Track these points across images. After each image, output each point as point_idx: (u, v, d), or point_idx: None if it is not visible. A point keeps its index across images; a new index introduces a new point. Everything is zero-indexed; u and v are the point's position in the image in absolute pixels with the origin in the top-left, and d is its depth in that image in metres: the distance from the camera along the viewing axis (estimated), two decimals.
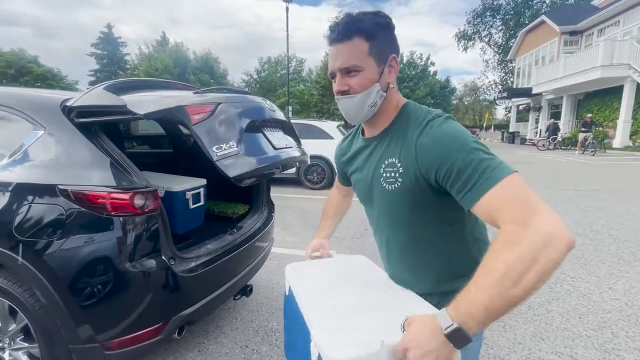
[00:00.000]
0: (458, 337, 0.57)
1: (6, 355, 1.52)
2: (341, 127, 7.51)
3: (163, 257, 1.49)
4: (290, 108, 19.28)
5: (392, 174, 0.82)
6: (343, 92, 0.82)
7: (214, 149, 1.42)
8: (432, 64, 34.69)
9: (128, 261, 1.39)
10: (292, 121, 3.75)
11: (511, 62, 30.86)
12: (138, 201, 1.40)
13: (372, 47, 0.78)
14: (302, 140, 2.34)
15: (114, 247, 1.38)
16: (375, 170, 0.88)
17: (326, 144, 6.79)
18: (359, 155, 0.97)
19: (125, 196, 1.37)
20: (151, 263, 1.46)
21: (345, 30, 0.77)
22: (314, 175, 7.19)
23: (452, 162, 0.69)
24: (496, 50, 35.32)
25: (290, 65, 33.47)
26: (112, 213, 1.36)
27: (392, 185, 0.82)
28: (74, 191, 1.35)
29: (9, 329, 1.49)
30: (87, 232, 1.36)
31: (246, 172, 1.48)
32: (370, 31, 0.77)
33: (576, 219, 4.59)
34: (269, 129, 1.90)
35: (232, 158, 1.46)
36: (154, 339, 1.50)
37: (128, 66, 40.90)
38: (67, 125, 1.47)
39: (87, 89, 1.59)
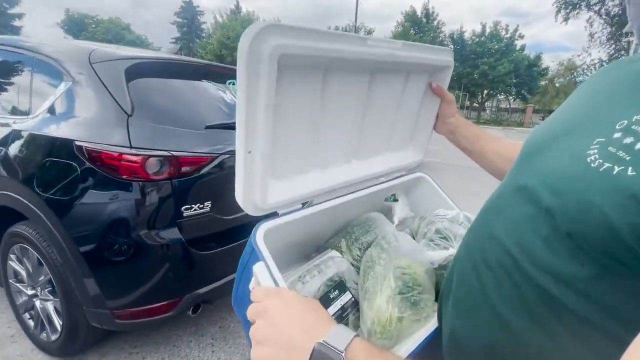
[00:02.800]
0: None
1: (38, 303, 1.57)
2: None
3: (178, 231, 1.35)
4: None
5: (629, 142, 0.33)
6: None
7: None
8: (521, 36, 30.14)
9: (139, 230, 1.28)
10: None
11: (627, 36, 25.28)
12: (151, 166, 1.25)
13: None
14: None
15: (125, 214, 1.26)
16: (609, 127, 0.38)
17: None
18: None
19: (137, 159, 1.22)
20: (165, 235, 1.33)
21: None
22: None
23: None
24: (608, 21, 29.20)
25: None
26: (124, 177, 1.23)
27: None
28: (88, 149, 1.24)
29: (39, 279, 1.52)
30: (99, 194, 1.26)
31: None
32: None
33: None
34: None
35: None
36: (165, 314, 1.40)
37: (204, 34, 43.14)
38: (92, 76, 1.36)
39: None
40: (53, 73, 1.49)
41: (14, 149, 1.47)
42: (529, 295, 0.37)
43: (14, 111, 1.61)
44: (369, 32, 35.40)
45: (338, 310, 0.66)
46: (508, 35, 29.70)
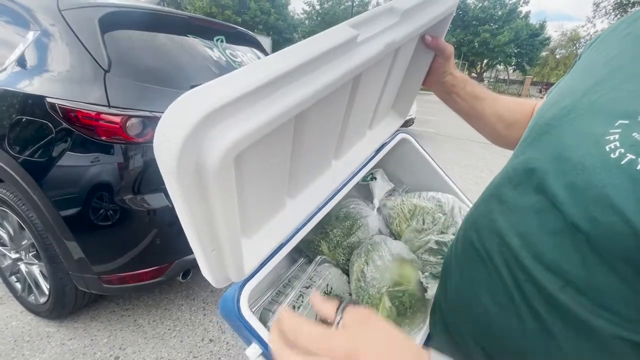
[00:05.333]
0: None
1: (23, 267, 1.54)
2: None
3: (164, 196, 1.30)
4: None
5: None
6: None
7: None
8: (526, 2, 28.88)
9: (123, 195, 1.22)
10: None
11: (634, 6, 24.45)
12: (133, 128, 1.16)
13: None
14: None
15: (107, 177, 1.20)
16: None
17: None
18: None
19: (116, 120, 1.13)
20: (151, 201, 1.28)
21: None
22: None
23: None
24: None
25: None
26: (103, 138, 1.15)
27: None
28: (62, 107, 1.14)
29: (22, 243, 1.47)
30: (77, 156, 1.19)
31: None
32: None
33: None
34: None
35: None
36: (155, 280, 1.39)
37: None
38: (62, 24, 1.23)
39: None
40: (19, 20, 1.34)
41: None
42: (528, 292, 0.33)
43: None
44: None
45: None
46: (513, 0, 28.45)
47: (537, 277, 0.32)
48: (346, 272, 0.71)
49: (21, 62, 1.31)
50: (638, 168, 0.26)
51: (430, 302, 0.65)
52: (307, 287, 0.65)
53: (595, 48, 0.42)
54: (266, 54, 2.13)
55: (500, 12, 28.12)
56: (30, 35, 1.28)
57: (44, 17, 1.26)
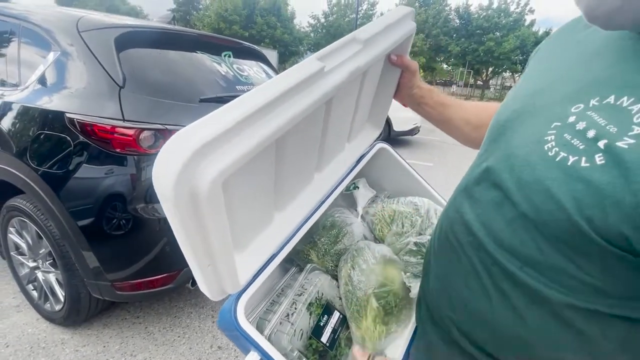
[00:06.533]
0: None
1: (40, 275, 1.60)
2: None
3: None
4: None
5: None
6: None
7: None
8: (531, 11, 28.98)
9: (136, 204, 1.28)
10: None
11: None
12: (145, 140, 1.23)
13: None
14: None
15: (122, 188, 1.26)
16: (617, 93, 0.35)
17: None
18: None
19: (130, 132, 1.20)
20: (161, 209, 1.33)
21: None
22: None
23: None
24: None
25: (360, 8, 30.79)
26: (118, 150, 1.21)
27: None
28: (80, 121, 1.21)
29: (40, 252, 1.54)
30: (94, 168, 1.25)
31: None
32: None
33: None
34: None
35: None
36: (165, 286, 1.43)
37: (201, 6, 41.56)
38: (81, 45, 1.31)
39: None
40: (41, 42, 1.43)
41: (5, 121, 1.44)
42: (494, 274, 0.38)
43: (3, 83, 1.57)
44: (373, 5, 34.14)
45: (330, 334, 0.66)
46: (518, 9, 28.56)
47: (500, 260, 0.37)
48: (335, 278, 0.75)
49: (42, 80, 1.39)
50: (569, 164, 0.31)
51: (414, 300, 0.68)
52: (299, 295, 0.68)
53: (542, 53, 0.47)
54: (272, 66, 2.20)
55: (504, 21, 28.23)
56: (51, 56, 1.37)
57: (64, 38, 1.35)
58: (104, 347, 1.54)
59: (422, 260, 0.70)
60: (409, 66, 0.71)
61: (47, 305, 1.61)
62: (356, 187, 0.90)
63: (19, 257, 1.67)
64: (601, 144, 0.30)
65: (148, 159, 1.27)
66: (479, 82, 32.43)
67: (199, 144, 0.32)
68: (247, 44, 2.06)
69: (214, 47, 1.75)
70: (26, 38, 1.51)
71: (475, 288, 0.40)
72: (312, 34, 35.72)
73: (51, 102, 1.32)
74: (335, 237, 0.79)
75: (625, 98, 0.31)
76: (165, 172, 0.32)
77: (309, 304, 0.67)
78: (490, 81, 33.72)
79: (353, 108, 0.72)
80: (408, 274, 0.70)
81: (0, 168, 1.45)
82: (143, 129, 1.22)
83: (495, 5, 28.51)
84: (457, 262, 0.42)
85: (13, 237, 1.64)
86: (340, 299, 0.70)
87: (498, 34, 27.80)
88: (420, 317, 0.55)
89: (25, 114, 1.40)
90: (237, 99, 0.37)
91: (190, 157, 0.32)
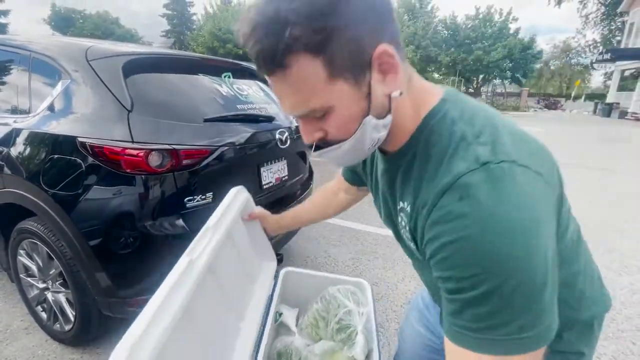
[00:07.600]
0: None
1: (50, 295, 1.63)
2: None
3: (182, 221, 1.40)
4: None
5: (403, 224, 0.57)
6: (319, 144, 0.50)
7: None
8: (515, 19, 29.83)
9: (146, 221, 1.33)
10: None
11: (621, 16, 25.11)
12: (154, 160, 1.29)
13: (330, 63, 0.41)
14: None
15: (132, 206, 1.31)
16: (393, 205, 0.62)
17: None
18: (374, 172, 0.70)
19: (139, 153, 1.26)
20: (171, 226, 1.38)
21: (268, 54, 0.42)
22: None
23: (472, 284, 0.41)
24: (602, 1, 28.95)
25: None
26: (128, 170, 1.27)
27: (407, 237, 0.59)
28: (92, 145, 1.28)
29: (50, 272, 1.57)
30: (105, 188, 1.31)
31: None
32: (312, 39, 0.40)
33: None
34: None
35: None
36: None
37: (194, 26, 42.39)
38: (90, 73, 1.39)
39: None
40: (50, 71, 1.51)
41: (17, 147, 1.50)
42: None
43: (14, 110, 1.64)
44: None
45: None
46: (502, 18, 29.40)
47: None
48: None
49: (52, 107, 1.47)
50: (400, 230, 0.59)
51: None
52: None
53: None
54: (268, 84, 2.29)
55: (490, 31, 29.00)
56: (62, 84, 1.44)
57: (74, 67, 1.43)
58: None
59: (352, 331, 0.91)
60: (258, 216, 1.07)
61: (57, 326, 1.64)
62: (281, 314, 1.04)
63: (29, 279, 1.70)
64: None
65: (155, 178, 1.33)
66: (470, 90, 33.00)
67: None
68: (245, 64, 2.15)
69: (214, 69, 1.84)
70: (35, 67, 1.59)
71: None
72: None
73: (62, 127, 1.39)
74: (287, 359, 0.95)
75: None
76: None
77: None
78: (482, 88, 34.34)
79: (236, 262, 0.95)
80: (345, 347, 0.86)
81: (13, 192, 1.50)
82: (152, 150, 1.28)
83: (481, 16, 29.35)
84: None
85: (23, 259, 1.67)
86: None
87: (485, 43, 28.51)
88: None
89: (37, 138, 1.46)
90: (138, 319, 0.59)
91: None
